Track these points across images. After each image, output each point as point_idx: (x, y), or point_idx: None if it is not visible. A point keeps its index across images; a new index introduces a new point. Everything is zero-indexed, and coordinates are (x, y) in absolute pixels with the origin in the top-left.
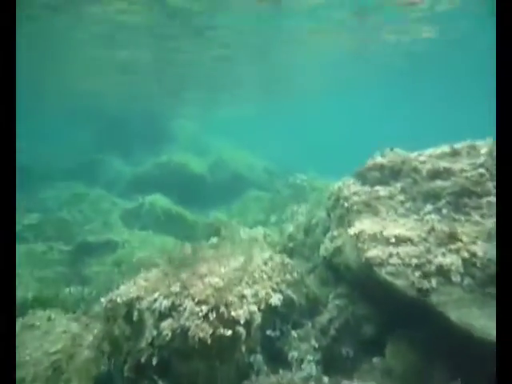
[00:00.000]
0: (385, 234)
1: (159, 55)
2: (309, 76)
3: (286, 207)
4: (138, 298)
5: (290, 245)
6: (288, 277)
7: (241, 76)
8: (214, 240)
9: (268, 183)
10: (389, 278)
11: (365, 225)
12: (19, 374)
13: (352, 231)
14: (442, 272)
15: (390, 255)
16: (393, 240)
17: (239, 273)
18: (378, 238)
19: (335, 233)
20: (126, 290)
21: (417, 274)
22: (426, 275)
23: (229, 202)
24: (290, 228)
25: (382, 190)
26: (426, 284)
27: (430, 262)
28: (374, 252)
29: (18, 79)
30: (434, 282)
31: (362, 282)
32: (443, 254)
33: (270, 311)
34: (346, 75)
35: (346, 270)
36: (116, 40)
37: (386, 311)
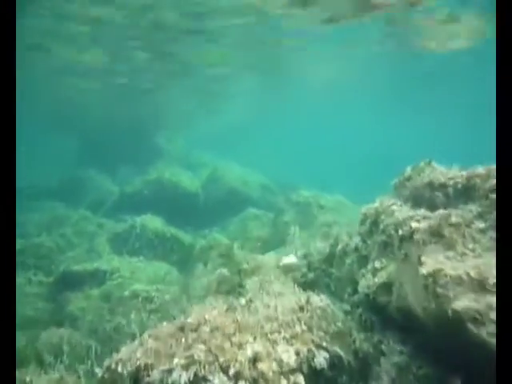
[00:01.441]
0: (474, 275)
1: (144, 62)
2: (309, 90)
3: (293, 228)
4: (147, 367)
5: (311, 275)
6: (332, 327)
7: (235, 86)
8: (225, 271)
9: (266, 200)
10: (493, 342)
11: (440, 262)
12: None
13: (424, 270)
14: None
15: (490, 308)
16: (490, 286)
17: (273, 324)
18: (465, 282)
19: (377, 264)
20: (129, 354)
21: None
22: None
23: (225, 221)
24: (309, 255)
25: (453, 215)
26: None
27: None
28: (465, 303)
29: None
30: None
31: (430, 334)
32: None
33: (313, 375)
34: (347, 92)
35: (399, 314)
36: (100, 47)
37: (466, 375)
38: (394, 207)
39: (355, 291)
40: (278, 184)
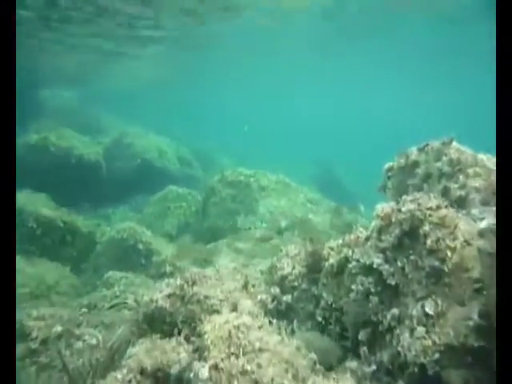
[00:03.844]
0: None
1: None
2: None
3: (234, 216)
4: None
5: (286, 299)
6: None
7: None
8: (158, 298)
9: (187, 176)
10: None
11: None
12: None
13: None
14: None
15: None
16: None
17: None
18: None
19: (429, 308)
20: None
21: None
22: None
23: (136, 199)
24: (275, 266)
25: None
26: None
27: None
28: None
29: None
30: None
31: None
32: None
33: None
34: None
35: None
36: None
37: None
38: (444, 212)
39: (376, 343)
40: (198, 157)
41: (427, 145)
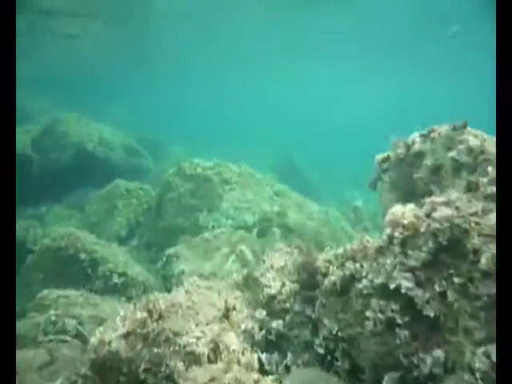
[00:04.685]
0: None
1: None
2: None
3: (195, 213)
4: None
5: (277, 325)
6: None
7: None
8: (110, 336)
9: (135, 167)
10: None
11: None
12: None
13: None
14: None
15: None
16: None
17: None
18: None
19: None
20: None
21: None
22: None
23: (76, 197)
24: (263, 281)
25: None
26: None
27: None
28: None
29: None
30: None
31: None
32: None
33: None
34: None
35: None
36: None
37: None
38: (492, 218)
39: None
40: (145, 145)
41: (432, 130)
